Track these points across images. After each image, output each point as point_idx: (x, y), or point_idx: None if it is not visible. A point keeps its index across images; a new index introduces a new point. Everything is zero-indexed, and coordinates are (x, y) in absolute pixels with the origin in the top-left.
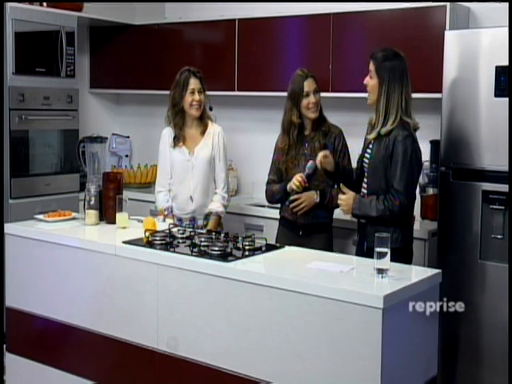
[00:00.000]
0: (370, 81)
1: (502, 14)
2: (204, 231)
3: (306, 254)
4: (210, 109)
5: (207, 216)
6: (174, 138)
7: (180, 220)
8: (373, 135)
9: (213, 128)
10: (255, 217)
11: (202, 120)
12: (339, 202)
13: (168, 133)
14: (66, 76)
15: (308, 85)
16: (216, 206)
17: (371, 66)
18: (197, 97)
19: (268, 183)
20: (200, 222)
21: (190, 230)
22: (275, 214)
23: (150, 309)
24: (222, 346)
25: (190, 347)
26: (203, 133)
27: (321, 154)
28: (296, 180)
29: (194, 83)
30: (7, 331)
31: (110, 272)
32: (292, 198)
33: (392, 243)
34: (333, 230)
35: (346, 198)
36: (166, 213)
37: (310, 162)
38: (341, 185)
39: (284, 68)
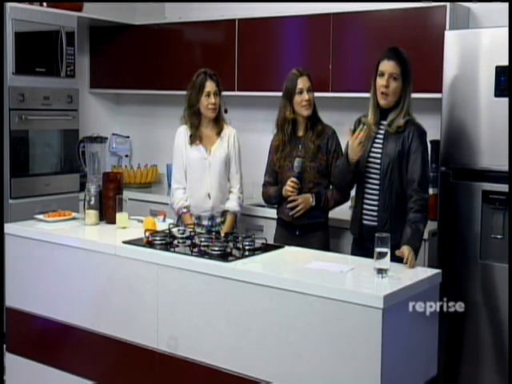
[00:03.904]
0: (394, 83)
1: (502, 14)
2: (204, 231)
3: (306, 254)
4: (225, 111)
5: (223, 213)
6: (191, 137)
7: (199, 218)
8: (393, 131)
9: (228, 130)
10: (255, 217)
11: (218, 122)
12: (410, 262)
13: (184, 131)
14: (66, 76)
15: (302, 82)
16: (233, 205)
17: (395, 69)
18: (212, 100)
19: (264, 185)
20: (218, 220)
21: (190, 229)
22: (275, 214)
23: (150, 309)
24: (222, 346)
25: (190, 347)
26: (219, 134)
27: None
28: (288, 186)
29: (209, 86)
30: (7, 331)
31: (109, 272)
32: (290, 205)
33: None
34: (329, 229)
35: (407, 252)
36: (184, 211)
37: (297, 160)
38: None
39: (284, 68)
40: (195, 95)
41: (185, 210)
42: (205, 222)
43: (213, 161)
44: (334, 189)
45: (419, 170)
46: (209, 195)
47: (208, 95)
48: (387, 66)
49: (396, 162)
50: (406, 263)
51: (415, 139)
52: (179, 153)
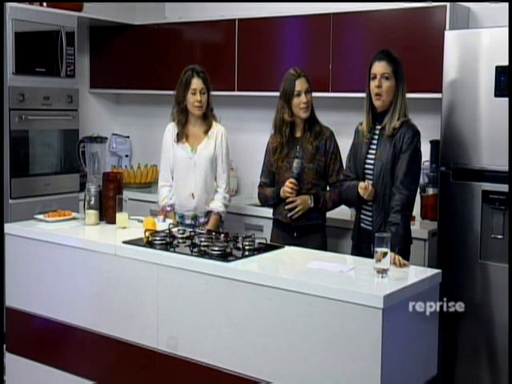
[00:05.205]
0: (387, 82)
1: (502, 14)
2: (204, 231)
3: (306, 254)
4: (211, 109)
5: (207, 214)
6: (178, 135)
7: (182, 217)
8: (389, 132)
9: (216, 128)
10: (255, 217)
11: (206, 119)
12: (399, 261)
13: (172, 128)
14: (66, 76)
15: (300, 84)
16: (218, 205)
17: (386, 69)
18: (198, 97)
19: (260, 186)
20: (202, 221)
21: (190, 229)
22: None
23: (150, 309)
24: (222, 346)
25: (190, 347)
26: (206, 132)
27: (361, 187)
28: (287, 187)
29: (196, 83)
30: (7, 331)
31: (109, 272)
32: (288, 206)
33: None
34: (326, 230)
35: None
36: (168, 209)
37: (296, 161)
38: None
39: (284, 68)
40: (182, 92)
41: (169, 208)
42: (188, 221)
43: (198, 160)
44: (333, 191)
45: (404, 168)
46: (192, 195)
47: (194, 93)
48: (378, 67)
49: (389, 165)
50: (395, 264)
51: (406, 139)
52: (167, 150)
